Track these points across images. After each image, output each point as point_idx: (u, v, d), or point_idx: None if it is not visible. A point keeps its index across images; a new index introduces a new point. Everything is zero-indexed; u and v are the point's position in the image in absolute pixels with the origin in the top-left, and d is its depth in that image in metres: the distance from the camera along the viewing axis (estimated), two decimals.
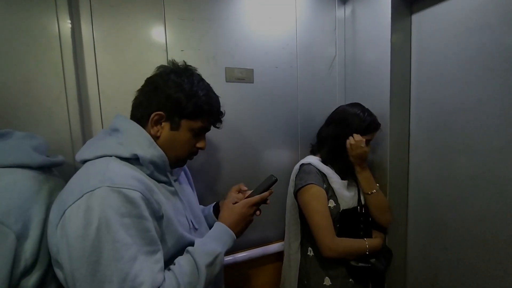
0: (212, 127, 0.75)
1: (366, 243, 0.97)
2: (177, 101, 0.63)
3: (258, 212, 0.78)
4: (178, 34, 1.00)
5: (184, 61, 0.71)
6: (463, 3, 0.92)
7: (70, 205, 0.50)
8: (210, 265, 0.61)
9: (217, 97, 0.73)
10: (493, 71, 0.84)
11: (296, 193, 1.00)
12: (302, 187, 0.96)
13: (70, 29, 0.85)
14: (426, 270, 1.10)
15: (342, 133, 0.99)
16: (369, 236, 1.04)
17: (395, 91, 1.09)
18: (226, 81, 1.09)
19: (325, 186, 0.98)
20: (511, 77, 0.80)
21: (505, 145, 0.82)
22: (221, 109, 0.75)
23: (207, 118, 0.69)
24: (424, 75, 1.07)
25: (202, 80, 0.70)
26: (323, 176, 0.99)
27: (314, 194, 0.95)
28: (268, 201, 0.78)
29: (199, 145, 0.72)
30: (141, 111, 0.65)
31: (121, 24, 0.92)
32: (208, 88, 0.70)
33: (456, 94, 0.95)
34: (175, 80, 0.65)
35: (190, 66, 0.71)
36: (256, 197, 0.75)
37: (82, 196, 0.50)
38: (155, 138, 0.65)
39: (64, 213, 0.50)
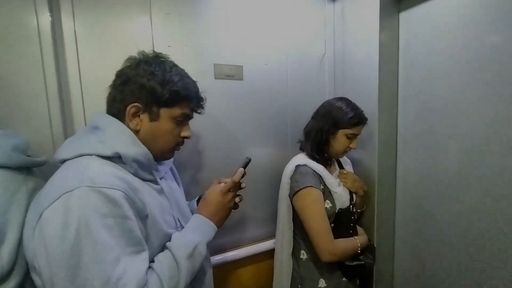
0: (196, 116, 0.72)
1: (357, 241, 0.98)
2: (151, 89, 0.61)
3: (237, 199, 0.77)
4: (165, 29, 0.98)
5: (153, 50, 0.68)
6: (448, 2, 0.93)
7: (48, 207, 0.47)
8: (190, 256, 0.60)
9: (194, 81, 0.70)
10: (477, 69, 0.86)
11: (292, 196, 0.97)
12: (300, 190, 0.93)
13: (50, 22, 0.81)
14: (413, 263, 1.13)
15: (325, 126, 0.98)
16: (356, 233, 1.05)
17: (384, 89, 1.10)
18: (215, 78, 1.07)
19: (322, 187, 0.97)
20: (493, 75, 0.82)
21: (489, 142, 0.85)
22: (201, 94, 0.72)
23: (187, 104, 0.67)
24: (411, 73, 1.08)
25: (175, 65, 0.68)
26: (319, 177, 0.98)
27: (313, 197, 0.93)
28: (243, 185, 0.77)
29: (183, 134, 0.69)
30: (117, 106, 0.63)
31: (105, 18, 0.89)
32: (182, 73, 0.68)
33: (442, 92, 0.97)
34: (146, 68, 0.62)
35: (161, 53, 0.68)
36: (228, 182, 0.74)
37: (60, 197, 0.47)
38: (135, 132, 0.62)
39: (41, 215, 0.47)
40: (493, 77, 0.83)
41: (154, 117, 0.63)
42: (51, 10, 0.81)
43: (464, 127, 0.91)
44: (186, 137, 0.70)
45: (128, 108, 0.61)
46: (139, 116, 0.62)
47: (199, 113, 0.73)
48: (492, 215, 0.85)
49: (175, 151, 0.73)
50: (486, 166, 0.86)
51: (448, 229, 0.98)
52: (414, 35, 1.06)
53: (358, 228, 1.08)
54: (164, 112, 0.64)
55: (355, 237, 1.00)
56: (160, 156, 0.69)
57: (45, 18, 0.81)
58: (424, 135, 1.05)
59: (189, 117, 0.70)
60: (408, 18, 1.08)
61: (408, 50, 1.09)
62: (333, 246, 0.90)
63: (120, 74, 0.64)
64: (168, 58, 0.69)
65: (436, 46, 0.98)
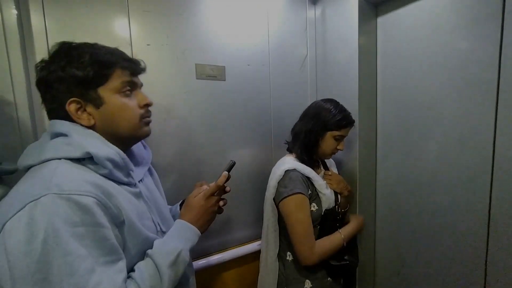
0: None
1: (341, 235, 0.98)
2: (72, 76, 0.54)
3: (221, 202, 0.75)
4: (144, 27, 0.94)
5: (56, 42, 0.59)
6: (421, 8, 0.97)
7: (11, 218, 0.43)
8: (173, 264, 0.57)
9: (113, 48, 0.62)
10: (449, 73, 0.91)
11: (279, 201, 0.96)
12: (288, 196, 0.92)
13: (16, 16, 0.76)
14: (393, 260, 1.16)
15: (314, 127, 0.99)
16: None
17: (363, 90, 1.13)
18: (197, 78, 1.05)
19: (309, 192, 0.97)
20: (463, 78, 0.87)
21: (461, 142, 0.89)
22: (132, 57, 0.64)
23: (119, 71, 0.59)
24: (389, 76, 1.12)
25: (82, 43, 0.59)
26: (308, 180, 0.98)
27: (300, 204, 0.93)
28: (227, 188, 0.75)
29: (142, 102, 0.63)
30: (58, 115, 0.56)
31: (78, 14, 0.84)
32: (94, 45, 0.60)
33: (417, 94, 1.01)
34: (55, 62, 0.55)
35: (63, 41, 0.59)
36: (212, 186, 0.72)
37: (25, 206, 0.43)
38: (92, 128, 0.57)
39: (3, 227, 0.43)
40: (463, 80, 0.87)
41: (98, 102, 0.57)
42: (17, 4, 0.76)
43: (438, 128, 0.95)
44: (147, 105, 0.64)
45: (66, 107, 0.54)
46: (85, 110, 0.57)
47: (139, 73, 0.66)
48: (465, 211, 0.89)
49: (149, 124, 0.67)
50: (458, 165, 0.90)
51: (425, 226, 1.02)
52: (391, 38, 1.09)
53: (351, 215, 1.09)
54: (103, 91, 0.57)
55: (339, 230, 1.00)
56: (134, 136, 0.64)
57: (10, 13, 0.75)
58: (401, 136, 1.08)
59: (135, 83, 0.63)
60: (385, 22, 1.11)
61: (386, 53, 1.12)
62: (311, 252, 0.91)
63: (38, 82, 0.57)
64: (72, 43, 0.60)
65: (411, 50, 1.02)
